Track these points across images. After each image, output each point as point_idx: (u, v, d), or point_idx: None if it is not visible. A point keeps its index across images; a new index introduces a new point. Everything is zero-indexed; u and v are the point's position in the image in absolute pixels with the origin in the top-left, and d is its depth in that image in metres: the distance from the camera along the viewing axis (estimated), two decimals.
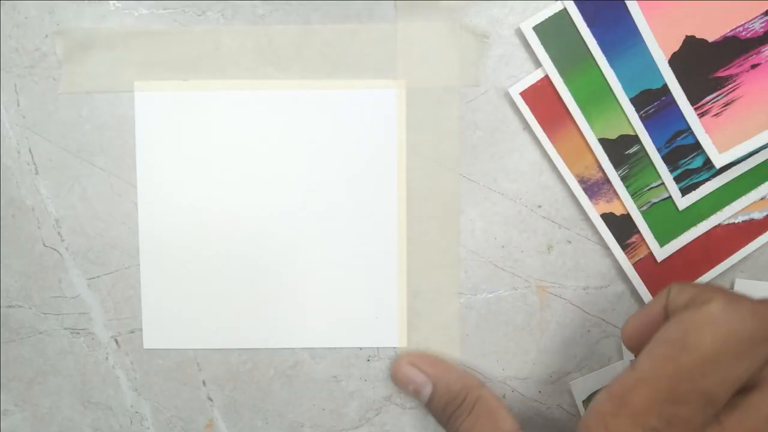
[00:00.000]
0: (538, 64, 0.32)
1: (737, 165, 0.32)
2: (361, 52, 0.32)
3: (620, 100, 0.32)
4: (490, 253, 0.33)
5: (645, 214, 0.33)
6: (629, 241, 0.33)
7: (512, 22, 0.32)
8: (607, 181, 0.33)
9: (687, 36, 0.31)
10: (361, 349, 0.34)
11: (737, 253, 0.33)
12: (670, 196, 0.33)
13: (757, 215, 0.33)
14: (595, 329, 0.34)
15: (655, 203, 0.33)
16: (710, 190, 0.33)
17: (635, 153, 0.32)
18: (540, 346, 0.34)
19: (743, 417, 0.22)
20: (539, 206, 0.33)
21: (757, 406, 0.22)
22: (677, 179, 0.32)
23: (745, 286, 0.33)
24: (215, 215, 0.33)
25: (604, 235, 0.33)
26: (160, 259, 0.33)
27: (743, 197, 0.33)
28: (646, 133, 0.32)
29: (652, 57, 0.31)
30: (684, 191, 0.33)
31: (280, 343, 0.34)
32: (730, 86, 0.32)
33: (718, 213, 0.33)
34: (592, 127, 0.32)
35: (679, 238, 0.33)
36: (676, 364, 0.22)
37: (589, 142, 0.32)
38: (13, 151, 0.33)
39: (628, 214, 0.33)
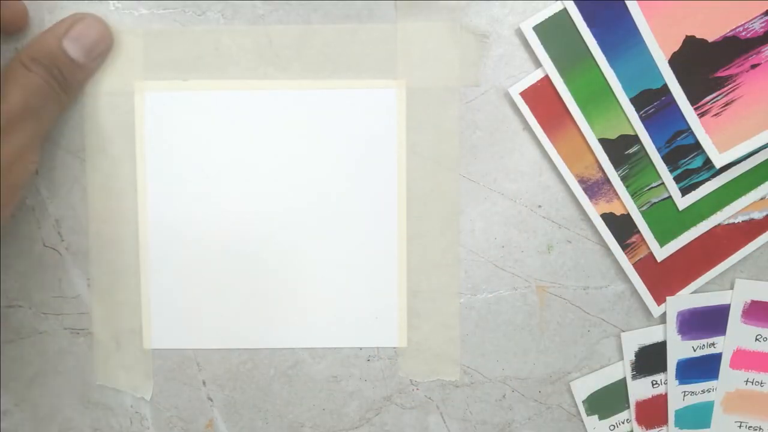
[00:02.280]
0: (538, 64, 0.32)
1: (737, 165, 0.33)
2: (361, 52, 0.32)
3: (620, 100, 0.32)
4: (490, 253, 0.33)
5: (645, 214, 0.33)
6: (629, 241, 0.33)
7: (512, 22, 0.32)
8: (607, 181, 0.33)
9: (687, 36, 0.31)
10: (361, 349, 0.34)
11: (737, 253, 0.33)
12: (670, 196, 0.33)
13: (757, 215, 0.33)
14: (595, 329, 0.34)
15: (655, 203, 0.33)
16: (710, 190, 0.33)
17: (635, 153, 0.32)
18: (540, 346, 0.34)
19: None
20: (539, 206, 0.33)
21: None
22: (677, 179, 0.32)
23: (745, 286, 0.33)
24: (215, 215, 0.33)
25: (604, 235, 0.33)
26: (160, 259, 0.33)
27: (743, 197, 0.33)
28: (646, 133, 0.32)
29: (652, 57, 0.31)
30: (684, 191, 0.33)
31: (280, 343, 0.34)
32: (730, 86, 0.32)
33: (718, 213, 0.33)
34: (592, 127, 0.32)
35: (679, 238, 0.33)
36: None
37: (589, 142, 0.32)
38: None
39: (628, 214, 0.33)
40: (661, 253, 0.33)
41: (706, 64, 0.32)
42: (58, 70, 0.30)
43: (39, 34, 0.31)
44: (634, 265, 0.33)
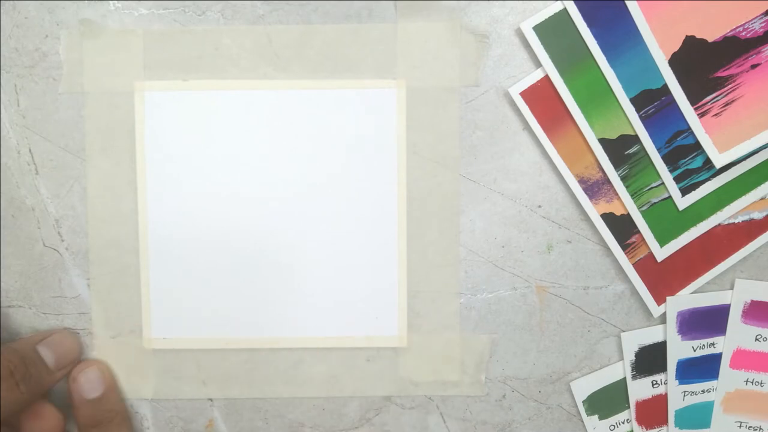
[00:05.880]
0: (538, 64, 0.32)
1: (737, 165, 0.33)
2: (361, 52, 0.32)
3: (620, 100, 0.32)
4: (490, 253, 0.33)
5: (645, 214, 0.33)
6: (629, 241, 0.33)
7: (512, 22, 0.32)
8: (607, 181, 0.33)
9: (687, 36, 0.31)
10: (361, 349, 0.34)
11: (737, 253, 0.33)
12: (670, 196, 0.33)
13: (757, 215, 0.33)
14: (595, 329, 0.34)
15: (655, 203, 0.33)
16: (710, 190, 0.33)
17: (635, 153, 0.32)
18: (540, 346, 0.34)
19: None
20: (539, 206, 0.33)
21: None
22: (677, 179, 0.32)
23: (745, 286, 0.33)
24: (214, 216, 0.33)
25: (604, 235, 0.33)
26: (160, 259, 0.33)
27: (743, 197, 0.33)
28: (646, 133, 0.32)
29: (652, 57, 0.32)
30: (684, 191, 0.33)
31: (280, 343, 0.34)
32: (730, 86, 0.32)
33: (718, 213, 0.33)
34: (592, 127, 0.32)
35: (679, 238, 0.33)
36: None
37: (589, 142, 0.32)
38: (13, 151, 0.33)
39: (628, 214, 0.33)
40: (661, 253, 0.33)
41: (706, 64, 0.32)
42: (25, 367, 0.30)
43: (17, 340, 0.32)
44: (634, 265, 0.33)
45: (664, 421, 0.34)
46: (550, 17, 0.32)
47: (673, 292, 0.33)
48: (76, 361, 0.33)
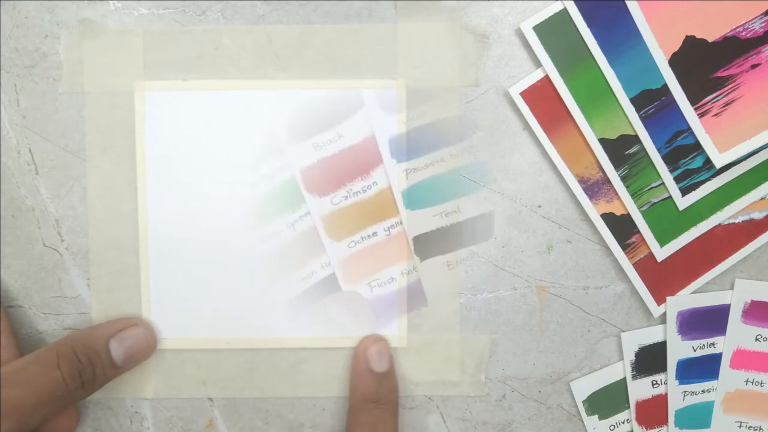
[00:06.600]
0: (538, 64, 0.32)
1: (737, 165, 0.33)
2: (361, 51, 0.32)
3: (620, 100, 0.32)
4: (490, 253, 0.33)
5: (645, 214, 0.33)
6: (629, 241, 0.33)
7: (512, 22, 0.32)
8: (607, 181, 0.33)
9: (687, 36, 0.31)
10: None
11: (737, 253, 0.33)
12: (670, 196, 0.33)
13: (757, 215, 0.33)
14: (595, 329, 0.34)
15: (655, 203, 0.33)
16: (710, 190, 0.33)
17: (635, 153, 0.32)
18: (540, 346, 0.34)
19: None
20: (539, 206, 0.33)
21: None
22: (677, 179, 0.32)
23: (745, 286, 0.33)
24: (214, 215, 0.33)
25: (604, 235, 0.33)
26: (160, 259, 0.33)
27: (743, 197, 0.33)
28: (646, 133, 0.32)
29: (652, 57, 0.32)
30: (684, 191, 0.33)
31: (280, 343, 0.34)
32: (730, 86, 0.32)
33: (718, 213, 0.33)
34: (592, 127, 0.32)
35: (679, 238, 0.33)
36: None
37: (589, 142, 0.32)
38: (13, 151, 0.33)
39: (628, 214, 0.33)
40: (661, 253, 0.33)
41: (706, 64, 0.32)
42: (92, 367, 0.30)
43: (91, 327, 0.32)
44: (634, 265, 0.33)
45: (664, 421, 0.34)
46: (550, 17, 0.32)
47: (673, 292, 0.33)
48: (144, 359, 0.33)
